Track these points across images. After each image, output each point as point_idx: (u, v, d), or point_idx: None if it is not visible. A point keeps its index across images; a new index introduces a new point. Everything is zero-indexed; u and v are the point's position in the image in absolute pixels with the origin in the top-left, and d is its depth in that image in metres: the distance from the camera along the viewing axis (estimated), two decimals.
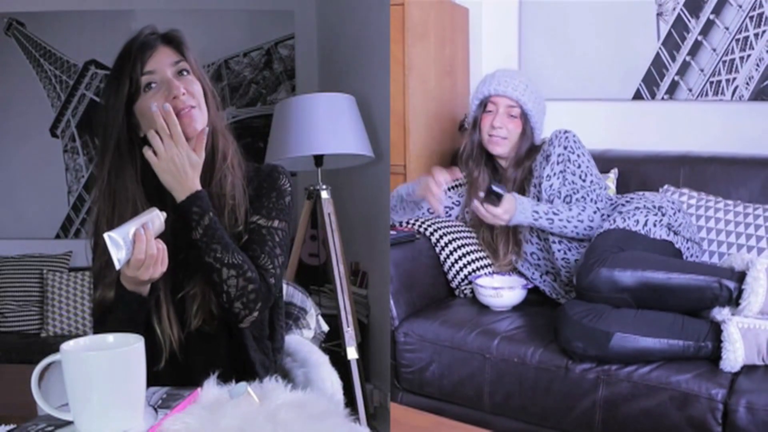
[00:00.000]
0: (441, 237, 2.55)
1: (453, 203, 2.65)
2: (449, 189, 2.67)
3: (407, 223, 2.62)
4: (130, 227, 1.20)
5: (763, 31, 2.70)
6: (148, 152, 1.32)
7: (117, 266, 1.18)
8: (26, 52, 3.93)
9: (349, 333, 2.78)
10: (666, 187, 2.59)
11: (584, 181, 2.28)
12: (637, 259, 1.99)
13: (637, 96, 2.99)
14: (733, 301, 1.94)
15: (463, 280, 2.52)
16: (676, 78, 2.89)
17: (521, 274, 2.49)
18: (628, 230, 2.16)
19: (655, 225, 2.20)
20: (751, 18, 2.71)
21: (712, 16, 2.79)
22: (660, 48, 2.91)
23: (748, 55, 2.74)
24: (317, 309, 1.79)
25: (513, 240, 2.47)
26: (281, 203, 1.44)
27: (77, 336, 1.31)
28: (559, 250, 2.30)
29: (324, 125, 2.84)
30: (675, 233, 2.24)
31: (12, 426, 1.06)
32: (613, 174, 2.69)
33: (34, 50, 3.93)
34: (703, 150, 2.68)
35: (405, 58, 2.86)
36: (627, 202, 2.33)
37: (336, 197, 2.98)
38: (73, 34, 3.92)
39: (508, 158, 2.47)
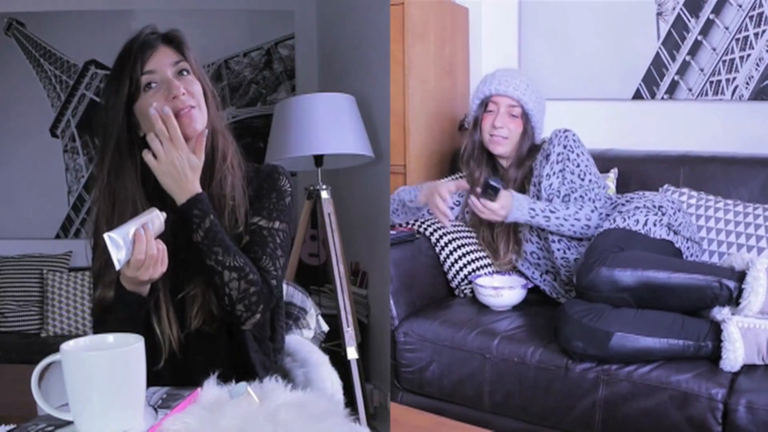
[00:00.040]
0: (441, 237, 2.55)
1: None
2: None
3: (407, 222, 2.62)
4: (130, 227, 1.19)
5: (763, 31, 2.70)
6: (147, 156, 1.32)
7: (117, 266, 1.18)
8: (26, 52, 3.93)
9: (349, 333, 2.78)
10: (666, 186, 2.59)
11: (583, 180, 2.28)
12: (637, 259, 2.00)
13: (637, 96, 2.99)
14: (733, 300, 1.94)
15: (463, 279, 2.52)
16: (676, 78, 2.89)
17: (521, 274, 2.49)
18: (629, 230, 2.16)
19: (655, 224, 2.20)
20: (751, 17, 2.71)
21: (711, 16, 2.79)
22: (660, 48, 2.91)
23: (748, 55, 2.74)
24: (317, 309, 1.79)
25: (513, 239, 2.47)
26: (282, 204, 1.44)
27: (77, 336, 1.30)
28: (558, 249, 2.30)
29: (324, 125, 2.84)
30: (675, 233, 2.24)
31: (12, 426, 1.06)
32: (613, 174, 2.69)
33: (34, 50, 3.93)
34: (703, 150, 2.68)
35: (405, 58, 2.86)
36: (627, 201, 2.33)
37: (336, 197, 2.98)
38: (73, 34, 3.92)
39: (509, 158, 2.47)
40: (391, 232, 2.53)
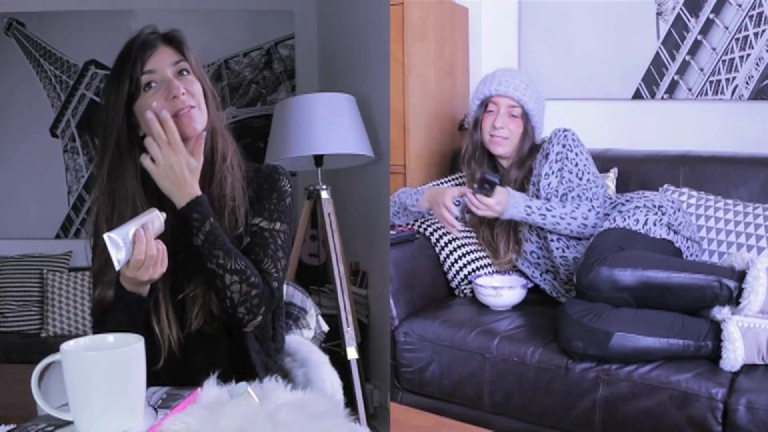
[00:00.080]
0: (441, 237, 2.55)
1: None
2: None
3: (407, 222, 2.62)
4: (130, 228, 1.19)
5: (763, 31, 2.70)
6: (145, 160, 1.32)
7: (117, 267, 1.18)
8: (26, 52, 3.93)
9: (349, 333, 2.78)
10: (666, 186, 2.59)
11: (581, 179, 2.28)
12: (637, 259, 2.00)
13: (637, 95, 2.99)
14: (733, 300, 1.94)
15: (462, 279, 2.52)
16: (676, 77, 2.89)
17: (521, 273, 2.49)
18: (628, 229, 2.16)
19: (655, 224, 2.20)
20: (751, 17, 2.71)
21: (711, 16, 2.79)
22: (660, 47, 2.91)
23: (748, 55, 2.74)
24: (317, 309, 1.79)
25: (513, 239, 2.47)
26: (282, 205, 1.43)
27: (77, 336, 1.31)
28: (557, 248, 2.30)
29: (324, 125, 2.84)
30: (675, 232, 2.24)
31: (12, 426, 1.06)
32: (612, 173, 2.69)
33: (34, 50, 3.93)
34: (703, 149, 2.68)
35: (405, 58, 2.86)
36: (627, 201, 2.33)
37: (336, 197, 2.98)
38: (73, 34, 3.92)
39: (510, 158, 2.47)
40: (391, 232, 2.53)
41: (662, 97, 2.93)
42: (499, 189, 2.22)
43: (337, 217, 2.91)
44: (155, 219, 1.24)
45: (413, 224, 2.61)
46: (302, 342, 1.63)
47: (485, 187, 2.21)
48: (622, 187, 2.67)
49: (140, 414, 1.02)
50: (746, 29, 2.73)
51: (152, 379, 1.09)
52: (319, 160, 2.93)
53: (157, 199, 1.35)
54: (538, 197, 2.30)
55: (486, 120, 2.45)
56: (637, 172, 2.69)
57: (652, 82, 2.94)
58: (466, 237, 2.57)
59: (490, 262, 2.53)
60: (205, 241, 1.32)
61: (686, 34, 2.85)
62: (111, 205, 1.35)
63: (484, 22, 3.34)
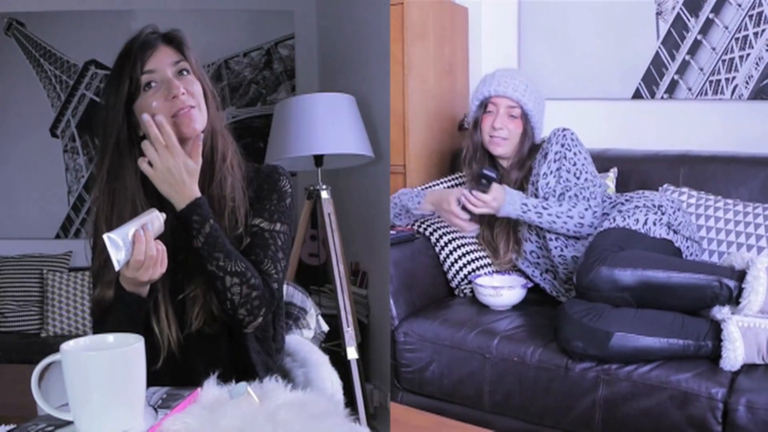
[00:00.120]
0: (441, 237, 2.55)
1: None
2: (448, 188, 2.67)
3: (408, 223, 2.62)
4: (130, 228, 1.19)
5: (763, 30, 2.70)
6: (143, 164, 1.31)
7: (116, 267, 1.18)
8: (26, 52, 3.93)
9: (349, 333, 2.78)
10: (666, 186, 2.59)
11: (578, 179, 2.28)
12: (637, 258, 2.00)
13: (637, 95, 2.99)
14: (733, 299, 1.94)
15: (462, 279, 2.52)
16: (676, 77, 2.89)
17: (522, 273, 2.49)
18: (628, 229, 2.16)
19: (654, 224, 2.20)
20: (751, 17, 2.71)
21: (711, 15, 2.79)
22: (659, 47, 2.91)
23: (748, 54, 2.74)
24: (317, 309, 1.79)
25: (513, 238, 2.47)
26: (282, 205, 1.43)
27: (77, 336, 1.31)
28: (555, 247, 2.30)
29: (324, 125, 2.84)
30: (675, 232, 2.24)
31: (12, 426, 1.06)
32: (612, 173, 2.69)
33: (34, 50, 3.93)
34: (703, 149, 2.68)
35: (404, 58, 2.86)
36: (627, 200, 2.33)
37: (336, 197, 2.98)
38: (73, 34, 3.92)
39: (510, 158, 2.47)
40: (391, 232, 2.53)
41: (662, 97, 2.93)
42: (495, 186, 2.23)
43: (337, 217, 2.91)
44: (155, 219, 1.24)
45: (413, 224, 2.61)
46: (302, 342, 1.63)
47: (482, 183, 2.22)
48: (621, 186, 2.67)
49: (140, 414, 1.02)
50: (746, 29, 2.73)
51: (152, 379, 1.09)
52: (319, 160, 2.93)
53: (157, 199, 1.35)
54: (536, 197, 2.30)
55: (485, 121, 2.45)
56: (636, 171, 2.69)
57: (652, 82, 2.94)
58: (466, 237, 2.57)
59: (490, 262, 2.53)
60: (205, 243, 1.32)
61: (686, 34, 2.85)
62: (111, 205, 1.35)
63: (484, 21, 3.34)
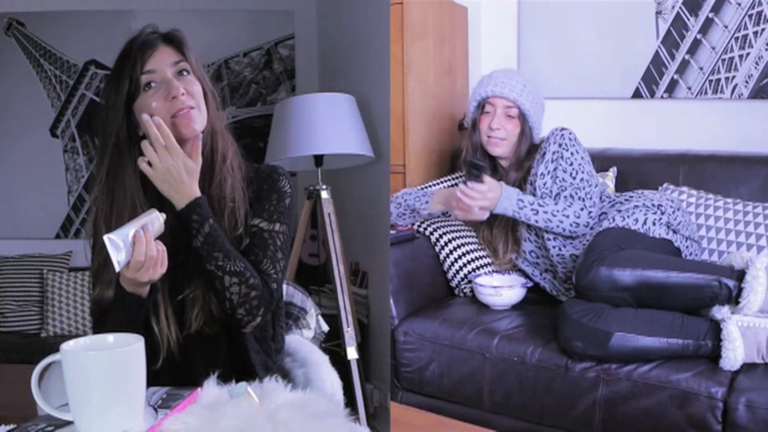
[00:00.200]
0: (441, 236, 2.55)
1: None
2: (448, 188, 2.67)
3: (411, 223, 2.62)
4: (130, 229, 1.20)
5: (762, 29, 2.70)
6: (143, 164, 1.32)
7: (117, 268, 1.18)
8: (26, 52, 3.93)
9: (349, 333, 2.78)
10: (665, 185, 2.59)
11: (574, 179, 2.28)
12: (636, 258, 2.00)
13: (637, 95, 2.99)
14: (733, 299, 1.94)
15: (462, 279, 2.52)
16: (676, 76, 2.89)
17: (522, 273, 2.49)
18: (628, 229, 2.16)
19: (654, 223, 2.20)
20: (750, 16, 2.72)
21: (711, 15, 2.79)
22: (659, 46, 2.91)
23: (748, 54, 2.74)
24: (317, 309, 1.79)
25: (512, 238, 2.47)
26: (282, 206, 1.43)
27: (77, 336, 1.31)
28: (554, 247, 2.30)
29: (324, 125, 2.84)
30: (674, 232, 2.24)
31: (12, 426, 1.06)
32: (612, 172, 2.70)
33: (34, 50, 3.93)
34: (703, 148, 2.68)
35: (404, 58, 2.86)
36: (626, 200, 2.33)
37: (336, 197, 2.98)
38: (73, 34, 3.92)
39: (509, 159, 2.47)
40: (391, 232, 2.53)
41: (662, 96, 2.94)
42: (489, 179, 2.23)
43: (337, 217, 2.91)
44: (155, 220, 1.24)
45: (413, 224, 2.61)
46: (302, 342, 1.63)
47: (473, 173, 2.22)
48: (621, 186, 2.67)
49: (140, 414, 1.02)
50: (746, 28, 2.73)
51: (152, 379, 1.09)
52: (319, 160, 2.93)
53: (157, 199, 1.35)
54: (534, 196, 2.30)
55: (483, 121, 2.45)
56: (636, 171, 2.69)
57: (652, 81, 2.94)
58: (466, 236, 2.57)
59: (490, 262, 2.53)
60: (205, 242, 1.32)
61: (686, 33, 2.85)
62: (110, 205, 1.35)
63: (484, 21, 3.34)
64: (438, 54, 3.06)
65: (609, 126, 3.00)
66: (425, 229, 2.58)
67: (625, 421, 1.93)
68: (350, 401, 2.55)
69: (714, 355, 1.90)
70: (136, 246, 1.19)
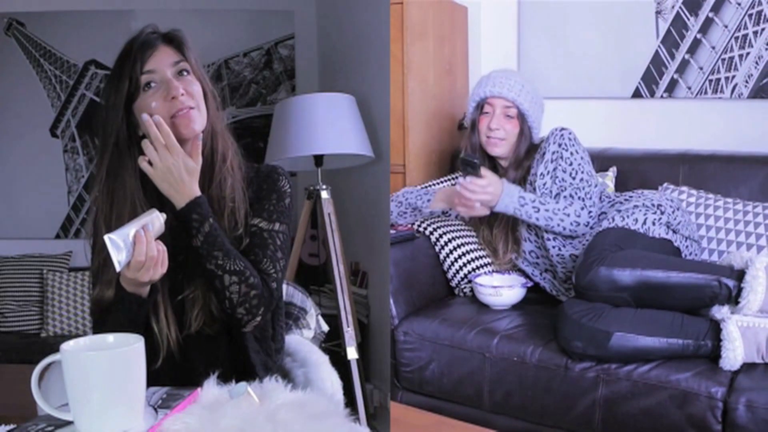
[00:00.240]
0: (441, 236, 2.55)
1: None
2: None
3: (412, 222, 2.62)
4: (130, 229, 1.20)
5: (762, 29, 2.70)
6: (143, 163, 1.32)
7: (117, 268, 1.18)
8: (26, 52, 3.93)
9: (349, 333, 2.78)
10: (665, 185, 2.59)
11: (574, 178, 2.28)
12: (636, 258, 2.00)
13: (637, 94, 2.99)
14: (733, 299, 1.94)
15: (462, 279, 2.52)
16: (676, 76, 2.89)
17: (522, 272, 2.49)
18: (627, 229, 2.16)
19: (654, 223, 2.20)
20: (750, 16, 2.72)
21: (711, 14, 2.79)
22: (659, 46, 2.91)
23: (747, 53, 2.74)
24: (317, 309, 1.79)
25: (512, 238, 2.47)
26: (281, 205, 1.44)
27: (77, 336, 1.31)
28: (553, 247, 2.30)
29: (324, 125, 2.84)
30: (674, 231, 2.24)
31: (12, 426, 1.06)
32: (612, 172, 2.70)
33: (34, 50, 3.93)
34: (703, 148, 2.68)
35: (404, 58, 2.86)
36: (626, 200, 2.33)
37: (336, 197, 2.98)
38: (73, 34, 3.92)
39: (508, 159, 2.47)
40: (391, 231, 2.53)
41: (662, 96, 2.94)
42: (490, 174, 2.24)
43: (337, 217, 2.91)
44: (155, 220, 1.24)
45: (413, 224, 2.61)
46: (302, 342, 1.63)
47: (468, 170, 2.22)
48: (621, 186, 2.67)
49: (140, 414, 1.02)
50: (745, 28, 2.73)
51: (152, 379, 1.10)
52: (319, 160, 2.93)
53: (157, 198, 1.35)
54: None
55: (482, 121, 2.45)
56: (636, 171, 2.69)
57: (652, 81, 2.94)
58: (466, 236, 2.57)
59: (490, 262, 2.53)
60: (204, 242, 1.32)
61: (686, 33, 2.85)
62: (110, 204, 1.35)
63: (484, 21, 3.34)
64: (438, 54, 3.06)
65: (609, 126, 3.00)
66: (425, 228, 2.58)
67: (625, 421, 1.93)
68: (350, 401, 2.55)
69: (714, 355, 1.90)
70: (136, 246, 1.19)
